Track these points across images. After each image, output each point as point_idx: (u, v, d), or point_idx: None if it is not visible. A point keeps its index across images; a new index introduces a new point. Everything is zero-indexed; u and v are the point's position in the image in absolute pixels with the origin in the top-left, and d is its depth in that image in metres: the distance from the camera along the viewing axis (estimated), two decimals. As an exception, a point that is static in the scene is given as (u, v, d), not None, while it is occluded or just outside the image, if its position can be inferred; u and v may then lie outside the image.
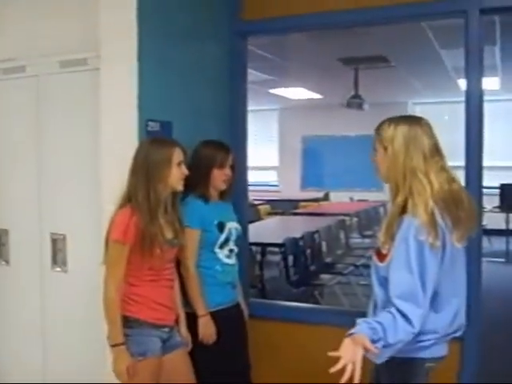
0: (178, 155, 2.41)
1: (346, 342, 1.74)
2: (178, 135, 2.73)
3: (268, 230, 7.16)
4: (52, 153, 3.15)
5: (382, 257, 1.97)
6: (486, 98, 2.90)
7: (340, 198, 10.56)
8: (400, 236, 1.88)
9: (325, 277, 5.67)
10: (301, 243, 5.68)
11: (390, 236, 1.92)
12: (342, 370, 1.68)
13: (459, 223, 1.93)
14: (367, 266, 5.57)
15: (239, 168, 3.05)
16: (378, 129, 2.04)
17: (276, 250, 6.11)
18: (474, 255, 2.77)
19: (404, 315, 1.81)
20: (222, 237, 2.75)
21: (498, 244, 8.41)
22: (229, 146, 2.83)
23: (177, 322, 2.55)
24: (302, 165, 11.79)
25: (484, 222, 4.23)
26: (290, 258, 5.50)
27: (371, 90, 7.93)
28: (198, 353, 2.62)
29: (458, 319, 2.00)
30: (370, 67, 7.22)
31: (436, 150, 1.97)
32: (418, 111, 10.40)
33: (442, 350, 2.01)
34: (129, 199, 2.35)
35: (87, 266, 2.93)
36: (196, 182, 2.66)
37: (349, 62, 7.01)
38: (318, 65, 7.08)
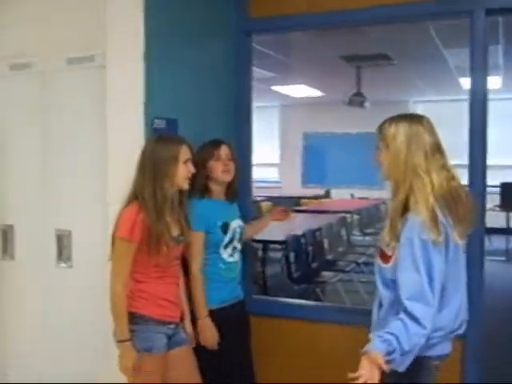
0: (185, 153, 2.40)
1: (363, 362, 1.76)
2: (184, 132, 2.73)
3: (270, 226, 7.14)
4: (58, 149, 3.16)
5: (386, 258, 1.98)
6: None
7: (341, 195, 10.55)
8: (405, 236, 1.89)
9: (326, 274, 5.67)
10: (302, 240, 5.67)
11: (395, 235, 1.93)
12: (347, 366, 1.73)
13: (459, 219, 1.95)
14: (368, 264, 5.62)
15: (243, 165, 3.06)
16: (380, 128, 2.05)
17: (278, 246, 6.10)
18: (476, 253, 2.77)
19: (414, 318, 1.82)
20: (226, 238, 2.76)
21: (499, 242, 8.42)
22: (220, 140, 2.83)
23: (182, 318, 2.56)
24: (303, 162, 11.77)
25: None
26: (292, 255, 5.49)
27: (373, 87, 7.91)
28: (201, 351, 2.62)
29: (461, 314, 2.02)
30: (373, 65, 7.21)
31: (437, 148, 1.99)
32: (419, 109, 10.38)
33: (447, 348, 2.03)
34: (135, 196, 2.34)
35: (92, 262, 2.95)
36: (195, 180, 2.64)
37: (351, 60, 6.99)
38: (321, 62, 7.06)
